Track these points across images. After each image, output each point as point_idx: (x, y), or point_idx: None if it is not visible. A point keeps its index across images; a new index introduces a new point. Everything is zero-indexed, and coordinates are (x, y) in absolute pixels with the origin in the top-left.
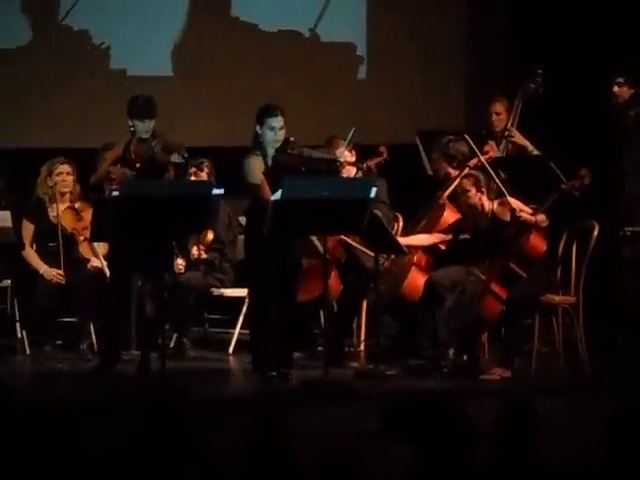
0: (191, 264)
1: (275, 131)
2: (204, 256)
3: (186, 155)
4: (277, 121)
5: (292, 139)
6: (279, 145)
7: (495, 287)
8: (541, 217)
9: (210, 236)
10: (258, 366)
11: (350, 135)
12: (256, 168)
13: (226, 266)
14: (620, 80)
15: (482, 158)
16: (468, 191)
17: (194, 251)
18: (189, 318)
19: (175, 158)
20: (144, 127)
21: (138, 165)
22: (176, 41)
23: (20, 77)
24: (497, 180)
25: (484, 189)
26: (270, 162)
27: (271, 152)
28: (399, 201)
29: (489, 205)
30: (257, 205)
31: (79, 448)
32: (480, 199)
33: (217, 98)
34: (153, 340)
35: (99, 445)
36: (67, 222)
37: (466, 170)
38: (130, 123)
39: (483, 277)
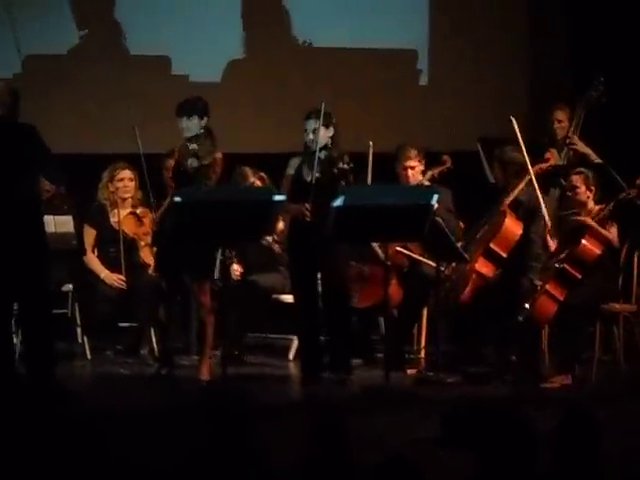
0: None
1: (308, 133)
2: (276, 247)
3: (201, 158)
4: (308, 124)
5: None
6: (328, 152)
7: (551, 287)
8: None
9: (281, 225)
10: (307, 371)
11: (322, 110)
12: (287, 173)
13: (285, 270)
14: None
15: (543, 165)
16: (577, 187)
17: (269, 237)
18: (248, 322)
19: (192, 162)
20: (184, 125)
21: (191, 164)
22: (234, 51)
23: (81, 83)
24: None
25: (592, 187)
26: (312, 165)
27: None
28: (462, 209)
29: (593, 206)
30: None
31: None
32: (588, 197)
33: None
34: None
35: (160, 450)
36: (128, 227)
37: (527, 178)
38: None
39: (539, 283)
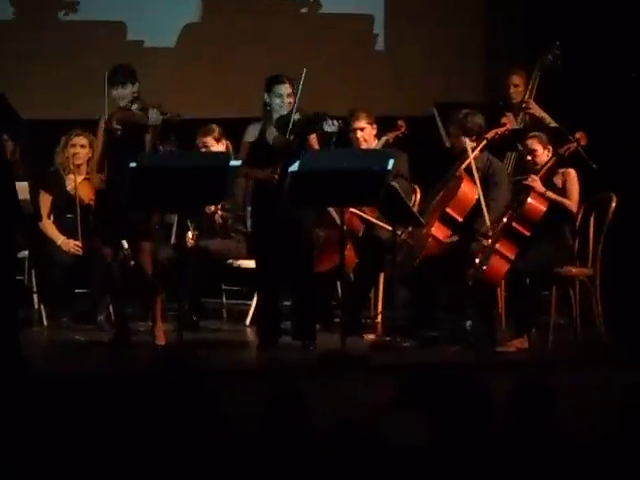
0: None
1: (282, 98)
2: (219, 214)
3: (166, 113)
4: (284, 88)
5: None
6: (307, 117)
7: (501, 246)
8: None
9: None
10: (264, 337)
11: (302, 78)
12: (245, 140)
13: (239, 236)
14: None
15: (499, 130)
16: (535, 150)
17: (211, 207)
18: (203, 288)
19: (153, 115)
20: (117, 94)
21: (119, 133)
22: (189, 15)
23: (36, 49)
24: None
25: (550, 147)
26: (284, 129)
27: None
28: (417, 173)
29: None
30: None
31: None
32: (547, 156)
33: (232, 71)
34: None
35: (115, 415)
36: (84, 193)
37: (483, 142)
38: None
39: (489, 243)
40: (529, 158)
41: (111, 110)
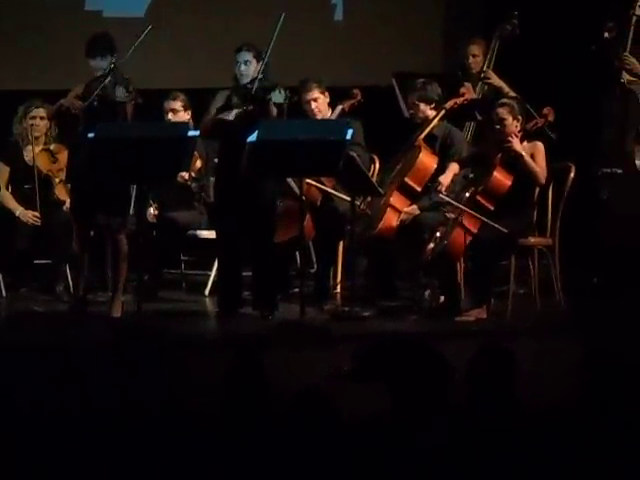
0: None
1: (240, 65)
2: (194, 185)
3: (131, 89)
4: (242, 55)
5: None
6: (263, 87)
7: (465, 220)
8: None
9: (198, 164)
10: (224, 307)
11: (279, 23)
12: (211, 107)
13: (201, 207)
14: (610, 25)
15: (458, 100)
16: (504, 120)
17: (184, 175)
18: (164, 259)
19: (120, 93)
20: (95, 65)
21: (95, 104)
22: None
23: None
24: None
25: (520, 117)
26: (243, 98)
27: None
28: (376, 144)
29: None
30: (228, 146)
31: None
32: (516, 127)
33: (192, 41)
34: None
35: (76, 385)
36: (42, 164)
37: (442, 112)
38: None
39: (453, 216)
40: (497, 127)
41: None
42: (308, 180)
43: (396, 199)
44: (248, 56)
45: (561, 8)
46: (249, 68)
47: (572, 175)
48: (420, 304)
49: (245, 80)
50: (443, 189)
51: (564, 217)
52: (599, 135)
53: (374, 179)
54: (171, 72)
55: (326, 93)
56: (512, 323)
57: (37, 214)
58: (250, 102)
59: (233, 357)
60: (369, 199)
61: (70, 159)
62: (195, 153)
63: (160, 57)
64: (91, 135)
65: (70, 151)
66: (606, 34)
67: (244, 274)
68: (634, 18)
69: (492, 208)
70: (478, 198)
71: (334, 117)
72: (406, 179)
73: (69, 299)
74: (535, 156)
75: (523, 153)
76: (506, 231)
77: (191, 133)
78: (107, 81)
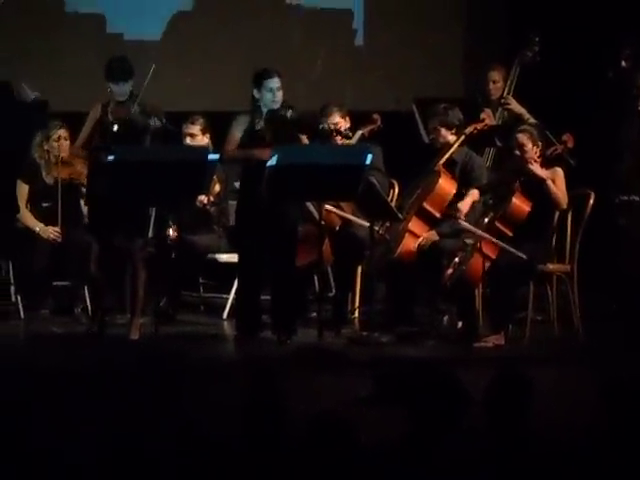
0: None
1: (273, 92)
2: (213, 209)
3: (164, 120)
4: (274, 82)
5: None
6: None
7: (483, 246)
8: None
9: (217, 187)
10: (242, 330)
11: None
12: (233, 132)
13: (220, 230)
14: (628, 52)
15: (478, 125)
16: (524, 145)
17: (203, 198)
18: (183, 281)
19: (154, 122)
20: (119, 90)
21: (116, 128)
22: (172, 7)
23: (13, 40)
24: None
25: (539, 143)
26: (275, 124)
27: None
28: (395, 169)
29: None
30: (250, 170)
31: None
32: (536, 153)
33: (210, 65)
34: (138, 304)
35: (93, 408)
36: (63, 174)
37: (462, 137)
38: (108, 86)
39: (472, 241)
40: (517, 153)
41: (107, 102)
42: (327, 206)
43: (415, 224)
44: (278, 83)
45: (582, 35)
46: (280, 94)
47: (591, 202)
48: (438, 330)
49: (276, 106)
50: (462, 215)
51: (583, 244)
52: (618, 162)
53: (393, 204)
54: (189, 95)
55: (347, 118)
56: (530, 350)
57: (58, 229)
58: (285, 129)
59: (251, 381)
60: (388, 224)
61: (89, 178)
62: (214, 177)
63: (178, 80)
64: (111, 158)
65: (90, 169)
66: (623, 62)
67: (262, 297)
68: None
69: (511, 234)
70: (497, 224)
71: (353, 142)
72: (425, 204)
73: (87, 321)
74: (555, 181)
75: (545, 177)
76: (525, 257)
77: (211, 157)
78: (134, 111)
